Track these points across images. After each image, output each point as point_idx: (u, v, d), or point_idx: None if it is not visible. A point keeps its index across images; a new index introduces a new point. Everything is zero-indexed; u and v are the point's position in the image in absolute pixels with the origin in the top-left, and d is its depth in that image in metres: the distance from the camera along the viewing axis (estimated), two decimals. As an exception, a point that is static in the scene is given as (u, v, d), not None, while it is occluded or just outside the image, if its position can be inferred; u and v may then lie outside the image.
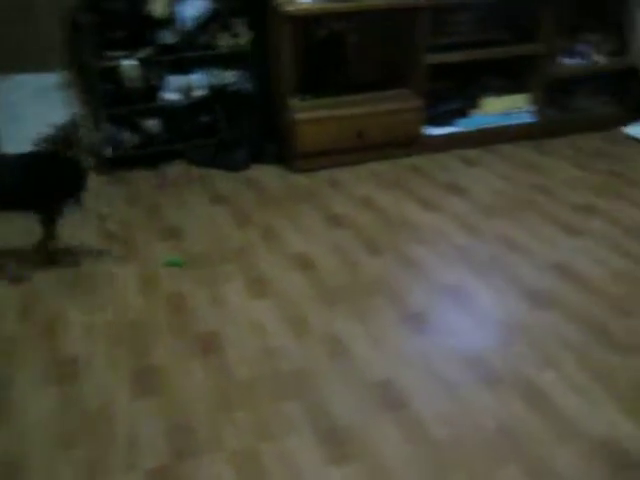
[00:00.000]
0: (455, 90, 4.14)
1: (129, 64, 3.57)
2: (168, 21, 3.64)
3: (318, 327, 2.37)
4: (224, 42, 3.80)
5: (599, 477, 1.71)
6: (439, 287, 2.60)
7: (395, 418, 1.93)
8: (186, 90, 3.76)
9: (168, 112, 3.78)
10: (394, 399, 2.01)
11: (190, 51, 3.71)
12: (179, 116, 3.80)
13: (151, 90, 3.73)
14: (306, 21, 3.69)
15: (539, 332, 2.30)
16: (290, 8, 3.54)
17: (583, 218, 3.11)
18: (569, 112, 4.32)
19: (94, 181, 3.09)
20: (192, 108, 3.81)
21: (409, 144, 3.92)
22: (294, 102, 3.71)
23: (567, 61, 4.24)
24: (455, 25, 4.08)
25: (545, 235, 2.97)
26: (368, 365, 2.16)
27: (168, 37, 3.64)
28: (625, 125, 4.22)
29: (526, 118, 4.15)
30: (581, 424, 1.89)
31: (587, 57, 4.28)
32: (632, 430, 1.86)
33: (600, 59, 4.29)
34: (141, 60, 3.61)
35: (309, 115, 3.70)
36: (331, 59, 3.92)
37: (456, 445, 1.83)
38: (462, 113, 4.08)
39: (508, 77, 4.20)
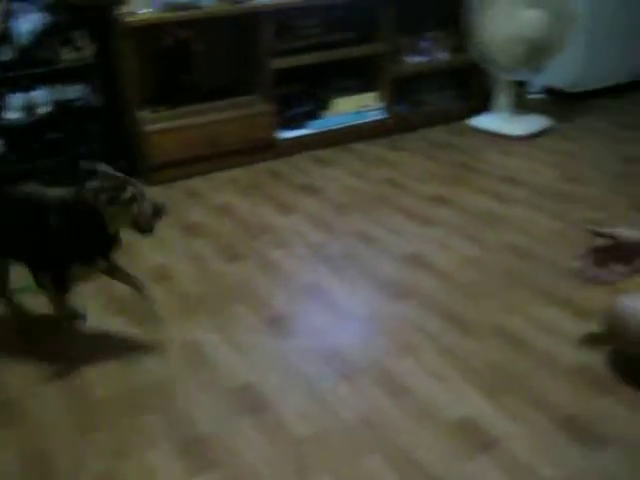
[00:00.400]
0: (306, 92, 4.19)
1: (-38, 84, 3.41)
2: (3, 37, 3.49)
3: (177, 338, 2.33)
4: (66, 56, 3.68)
5: (459, 458, 1.77)
6: (299, 288, 2.62)
7: (256, 421, 1.92)
8: (29, 108, 3.61)
9: (11, 132, 3.63)
10: (255, 403, 2.00)
11: (29, 67, 3.57)
12: (23, 135, 3.65)
13: (-9, 110, 3.57)
14: (150, 31, 3.62)
15: (396, 322, 2.36)
16: (131, 19, 3.48)
17: (434, 208, 3.21)
18: (418, 107, 4.46)
19: None
20: (37, 126, 3.67)
21: (264, 149, 3.94)
22: (144, 114, 3.64)
23: (412, 59, 4.37)
24: (300, 29, 4.11)
25: (399, 227, 3.05)
26: (228, 371, 2.14)
27: (3, 54, 3.49)
28: (470, 117, 4.39)
29: (377, 116, 4.25)
30: (440, 409, 1.94)
31: (430, 54, 4.43)
32: (490, 410, 1.93)
33: (443, 56, 4.45)
34: (-25, 79, 3.45)
35: (161, 126, 3.64)
36: (179, 68, 3.87)
37: (319, 441, 1.84)
38: (314, 115, 4.14)
39: (357, 77, 4.29)
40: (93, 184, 2.07)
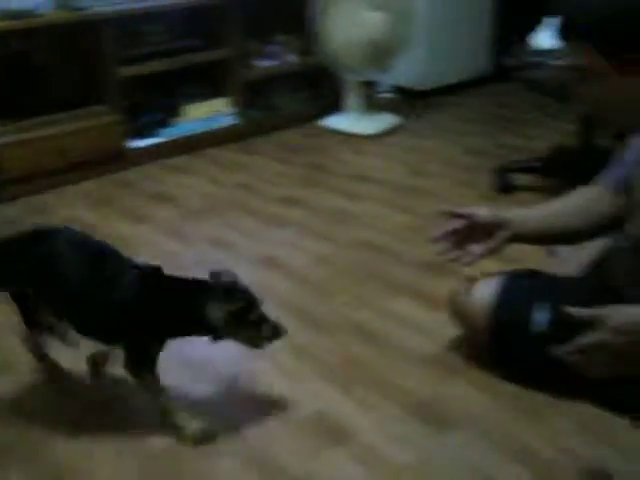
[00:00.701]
0: (157, 100, 4.12)
1: None
2: None
3: (26, 359, 2.23)
4: None
5: (315, 454, 1.79)
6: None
7: (113, 438, 1.87)
8: None
9: None
10: (113, 418, 1.95)
11: None
12: None
13: None
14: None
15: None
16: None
17: (288, 210, 3.24)
18: (270, 111, 4.48)
19: None
20: None
21: (115, 159, 3.84)
22: (-17, 129, 3.48)
23: (261, 62, 4.39)
24: (147, 35, 4.06)
25: (252, 231, 3.05)
26: (86, 389, 2.08)
27: None
28: (322, 118, 4.45)
29: (229, 121, 4.24)
30: (296, 407, 1.96)
31: (279, 58, 4.47)
32: (345, 404, 1.96)
33: (292, 59, 4.50)
34: None
35: (3, 140, 3.49)
36: (20, 80, 3.73)
37: (175, 451, 1.82)
38: (166, 122, 4.08)
39: (208, 83, 4.26)
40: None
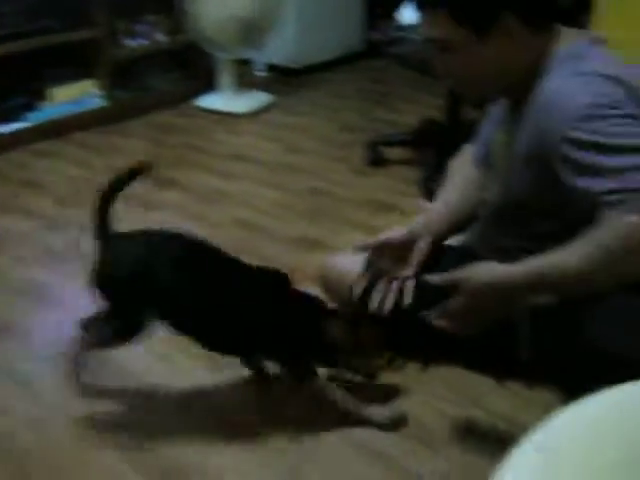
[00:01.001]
0: (21, 84, 3.95)
1: None
2: None
3: None
4: None
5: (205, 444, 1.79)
6: (18, 289, 2.48)
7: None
8: None
9: None
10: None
11: None
12: None
13: None
14: None
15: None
16: None
17: (160, 192, 3.18)
18: (141, 92, 4.38)
19: None
20: None
21: (-22, 147, 3.67)
22: None
23: (129, 42, 4.28)
24: (5, 16, 3.86)
25: (124, 214, 2.84)
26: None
27: None
28: (195, 98, 4.39)
29: (99, 103, 4.11)
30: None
31: (149, 37, 4.36)
32: (227, 391, 1.97)
33: (162, 38, 4.40)
34: None
35: None
36: None
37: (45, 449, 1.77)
38: (31, 107, 3.92)
39: (74, 64, 4.11)
40: None
